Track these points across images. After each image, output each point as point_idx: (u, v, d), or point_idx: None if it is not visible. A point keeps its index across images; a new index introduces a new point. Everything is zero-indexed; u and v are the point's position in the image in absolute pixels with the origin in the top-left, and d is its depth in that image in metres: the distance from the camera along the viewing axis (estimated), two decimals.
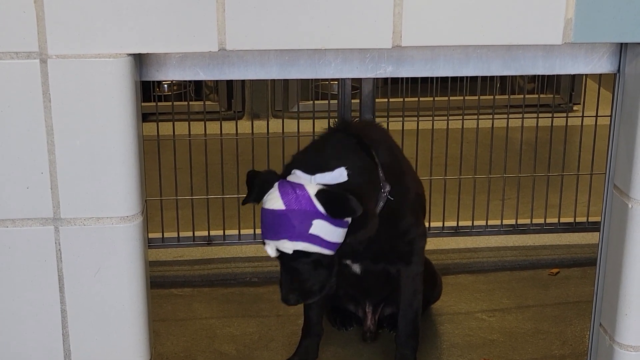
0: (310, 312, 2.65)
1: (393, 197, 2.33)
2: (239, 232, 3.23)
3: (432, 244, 3.17)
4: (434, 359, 2.71)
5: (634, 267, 1.65)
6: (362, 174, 2.22)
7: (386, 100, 3.25)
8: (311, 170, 2.16)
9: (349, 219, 2.15)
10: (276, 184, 2.16)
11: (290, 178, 2.17)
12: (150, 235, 3.14)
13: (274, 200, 2.14)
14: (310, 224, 2.12)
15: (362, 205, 2.12)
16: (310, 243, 2.13)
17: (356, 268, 2.56)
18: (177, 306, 3.01)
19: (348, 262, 2.53)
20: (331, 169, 2.15)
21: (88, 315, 1.56)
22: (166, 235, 3.21)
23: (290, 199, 2.12)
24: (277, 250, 2.16)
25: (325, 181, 2.14)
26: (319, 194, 2.11)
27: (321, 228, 2.12)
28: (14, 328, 1.56)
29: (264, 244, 2.19)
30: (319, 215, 2.11)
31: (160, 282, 3.12)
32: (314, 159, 2.21)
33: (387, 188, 2.31)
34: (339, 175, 2.14)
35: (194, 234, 3.21)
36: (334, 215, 2.10)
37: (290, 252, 2.14)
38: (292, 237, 2.13)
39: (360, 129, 2.39)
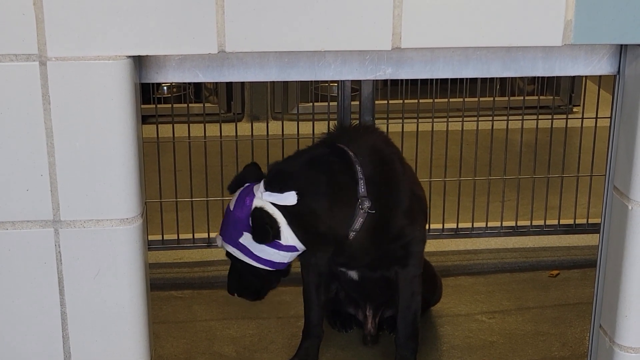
0: (311, 314, 2.65)
1: (383, 209, 2.33)
2: None
3: (431, 245, 3.17)
4: None
5: (634, 269, 1.65)
6: (325, 196, 2.25)
7: (386, 102, 3.25)
8: (271, 185, 2.21)
9: (294, 244, 2.22)
10: (246, 185, 2.26)
11: (257, 185, 2.25)
12: (150, 237, 3.14)
13: (233, 198, 2.27)
14: (241, 234, 2.22)
15: (311, 230, 2.21)
16: (239, 251, 2.25)
17: (353, 275, 2.56)
18: (177, 308, 3.01)
19: (343, 269, 2.53)
20: (288, 188, 2.19)
21: (88, 318, 1.56)
22: (166, 237, 3.21)
23: (239, 204, 2.23)
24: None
25: (273, 200, 2.20)
26: (252, 212, 2.20)
27: (250, 242, 2.21)
28: (14, 330, 1.55)
29: None
30: (249, 230, 2.21)
31: (160, 284, 3.12)
32: (281, 173, 2.27)
33: (367, 204, 2.30)
34: (286, 198, 2.18)
35: (193, 236, 3.21)
36: (253, 237, 2.19)
37: (225, 250, 2.27)
38: (225, 238, 2.26)
39: (353, 139, 2.39)
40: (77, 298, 1.55)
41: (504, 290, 3.13)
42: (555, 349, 2.78)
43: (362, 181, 2.28)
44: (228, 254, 2.29)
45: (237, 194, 2.26)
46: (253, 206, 2.19)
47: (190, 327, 2.89)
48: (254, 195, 2.20)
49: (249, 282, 2.33)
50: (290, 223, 2.19)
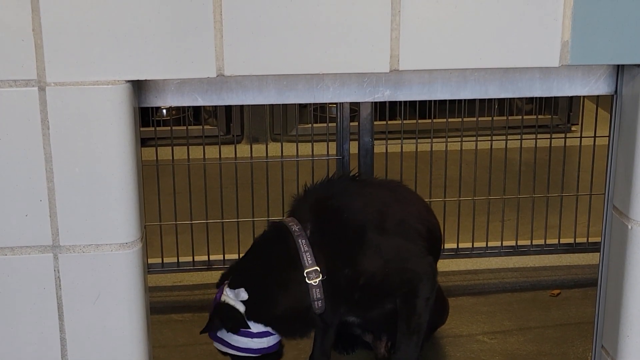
0: (319, 339, 2.64)
1: (339, 270, 2.37)
2: (239, 256, 3.21)
3: None
4: None
5: (635, 289, 1.65)
6: (270, 283, 2.40)
7: (385, 122, 3.26)
8: (230, 284, 2.40)
9: (265, 330, 2.38)
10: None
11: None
12: (150, 261, 3.13)
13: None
14: (218, 328, 2.42)
15: (273, 315, 2.36)
16: (220, 344, 2.44)
17: (350, 319, 2.56)
18: (178, 332, 2.99)
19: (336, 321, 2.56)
20: (238, 285, 2.37)
21: (88, 343, 1.55)
22: (166, 260, 3.20)
23: (215, 298, 2.44)
24: None
25: (231, 297, 2.39)
26: (215, 306, 2.41)
27: (224, 334, 2.41)
28: (13, 356, 1.55)
29: None
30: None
31: (160, 307, 3.10)
32: (235, 270, 2.46)
33: (314, 275, 2.35)
34: (239, 294, 2.36)
35: (193, 258, 3.20)
36: (222, 326, 2.39)
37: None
38: (210, 336, 2.46)
39: (306, 206, 2.45)
40: (77, 323, 1.55)
41: (505, 310, 3.12)
42: None
43: (307, 254, 2.35)
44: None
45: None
46: (217, 302, 2.40)
47: (191, 351, 2.88)
48: (221, 292, 2.41)
49: None
50: (248, 315, 2.36)
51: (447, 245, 3.30)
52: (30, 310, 1.53)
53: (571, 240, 3.34)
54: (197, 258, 3.21)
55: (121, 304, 1.55)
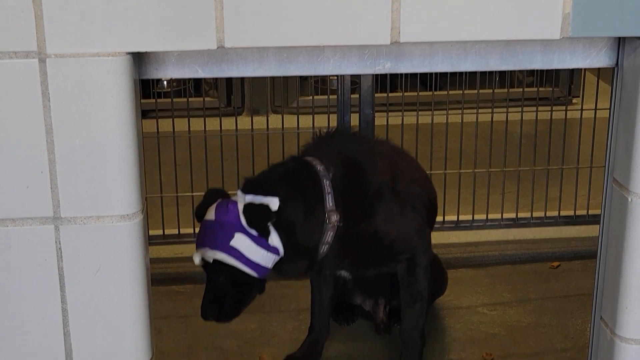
0: (318, 309, 2.66)
1: (357, 220, 2.35)
2: None
3: (433, 238, 3.17)
4: (435, 354, 2.71)
5: (634, 261, 1.66)
6: (299, 208, 2.28)
7: (385, 94, 3.25)
8: (252, 192, 2.24)
9: (277, 246, 2.24)
10: (219, 200, 2.28)
11: (233, 198, 2.28)
12: (151, 232, 3.14)
13: (210, 212, 2.27)
14: (232, 236, 2.22)
15: (291, 237, 2.24)
16: (229, 255, 2.23)
17: (344, 274, 2.57)
18: (178, 303, 3.01)
19: (330, 271, 2.55)
20: (267, 194, 2.21)
21: (89, 314, 1.56)
22: (167, 232, 3.21)
23: (221, 211, 2.24)
24: (202, 259, 2.26)
25: (257, 201, 2.22)
26: (245, 207, 2.21)
27: (242, 242, 2.21)
28: (15, 327, 1.56)
29: None
30: (242, 229, 2.21)
31: (161, 279, 3.12)
32: (258, 183, 2.30)
33: (334, 218, 2.31)
34: (270, 201, 2.20)
35: (194, 230, 3.21)
36: (250, 224, 2.20)
37: (210, 260, 2.24)
38: (212, 246, 2.23)
39: (326, 150, 2.41)
40: (78, 294, 1.55)
41: (505, 283, 3.13)
42: (556, 341, 2.79)
43: (329, 195, 2.30)
44: (208, 268, 2.28)
45: (211, 208, 2.28)
46: (241, 206, 2.21)
47: (192, 322, 2.89)
48: (234, 201, 2.24)
49: (226, 301, 2.31)
50: (274, 225, 2.22)
51: (448, 218, 3.31)
52: (32, 281, 1.54)
53: (571, 213, 3.35)
54: (198, 230, 3.21)
55: (122, 275, 1.55)
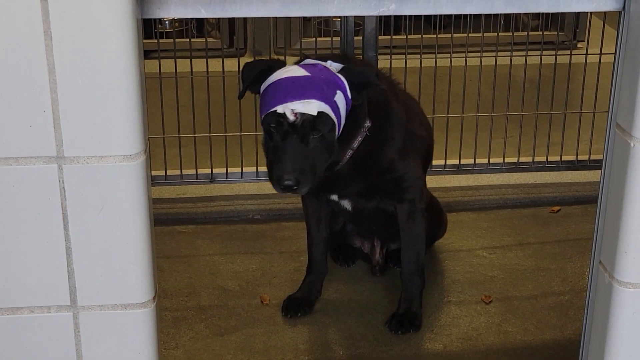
0: (313, 249, 2.67)
1: (374, 134, 2.35)
2: (242, 169, 3.24)
3: (433, 181, 3.19)
4: (434, 296, 2.74)
5: (635, 206, 1.66)
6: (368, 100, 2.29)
7: (389, 37, 3.23)
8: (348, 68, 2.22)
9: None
10: (291, 64, 2.21)
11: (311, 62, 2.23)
12: (153, 173, 3.15)
13: (293, 70, 2.17)
14: (335, 92, 2.15)
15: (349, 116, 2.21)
16: (332, 110, 2.16)
17: (346, 204, 2.56)
18: (181, 243, 3.03)
19: (334, 197, 2.53)
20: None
21: (93, 253, 1.57)
22: (169, 172, 3.22)
23: (314, 70, 2.16)
24: (294, 114, 2.13)
25: (354, 78, 2.20)
26: (343, 70, 2.19)
27: (342, 101, 2.17)
28: (20, 265, 1.57)
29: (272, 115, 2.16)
30: (342, 89, 2.17)
31: (163, 219, 3.14)
32: (349, 63, 2.28)
33: (367, 124, 2.32)
34: (368, 73, 2.22)
35: (196, 171, 3.22)
36: (353, 88, 2.18)
37: (315, 113, 2.13)
38: (320, 99, 2.14)
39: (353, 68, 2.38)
40: (82, 233, 1.56)
41: (505, 226, 3.15)
42: (555, 284, 2.81)
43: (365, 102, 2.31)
44: (299, 124, 2.14)
45: (291, 67, 2.19)
46: (333, 69, 2.19)
47: (194, 262, 2.92)
48: (320, 63, 2.20)
49: (309, 163, 2.19)
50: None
51: (449, 161, 3.31)
52: (36, 219, 1.55)
53: (573, 158, 3.35)
54: (200, 171, 3.23)
55: (125, 214, 1.56)
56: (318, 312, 2.66)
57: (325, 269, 2.70)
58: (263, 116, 2.18)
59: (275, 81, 2.17)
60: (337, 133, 2.21)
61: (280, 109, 2.14)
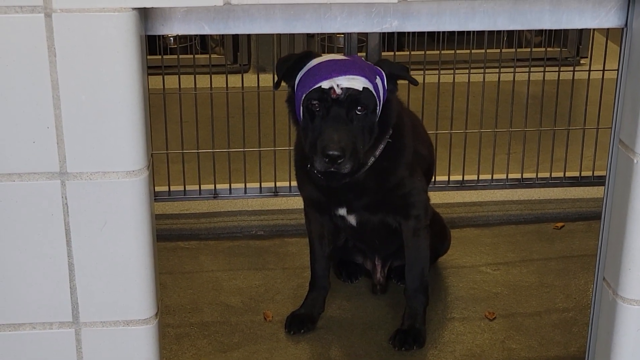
0: (316, 265, 2.67)
1: (391, 147, 2.39)
2: (245, 185, 3.24)
3: (437, 197, 3.18)
4: (438, 312, 2.73)
5: (638, 222, 1.66)
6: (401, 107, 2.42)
7: (392, 53, 3.23)
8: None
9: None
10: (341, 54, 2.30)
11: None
12: (157, 189, 3.15)
13: (332, 56, 2.25)
14: (375, 77, 2.22)
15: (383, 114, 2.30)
16: (374, 90, 2.20)
17: (352, 220, 2.56)
18: (184, 259, 3.03)
19: (342, 212, 2.53)
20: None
21: (95, 269, 1.57)
22: (172, 188, 3.22)
23: (354, 57, 2.26)
24: (340, 88, 2.17)
25: (395, 70, 2.32)
26: (380, 62, 2.31)
27: (380, 87, 2.23)
28: (22, 281, 1.57)
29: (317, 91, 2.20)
30: (381, 76, 2.24)
31: (166, 235, 3.14)
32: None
33: (390, 131, 2.37)
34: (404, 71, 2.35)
35: (200, 187, 3.22)
36: (390, 77, 2.26)
37: (360, 88, 2.18)
38: (365, 75, 2.19)
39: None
40: (84, 249, 1.56)
41: (509, 242, 3.14)
42: (559, 301, 2.80)
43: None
44: (345, 99, 2.18)
45: (331, 55, 2.27)
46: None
47: (197, 278, 2.91)
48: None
49: (355, 136, 2.23)
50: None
51: (453, 177, 3.31)
52: (38, 235, 1.55)
53: (577, 174, 3.35)
54: (203, 187, 3.23)
55: (128, 230, 1.56)
56: (321, 329, 2.65)
57: (327, 285, 2.69)
58: (304, 95, 2.21)
59: (316, 64, 2.22)
60: (377, 116, 2.25)
61: (325, 84, 2.18)
